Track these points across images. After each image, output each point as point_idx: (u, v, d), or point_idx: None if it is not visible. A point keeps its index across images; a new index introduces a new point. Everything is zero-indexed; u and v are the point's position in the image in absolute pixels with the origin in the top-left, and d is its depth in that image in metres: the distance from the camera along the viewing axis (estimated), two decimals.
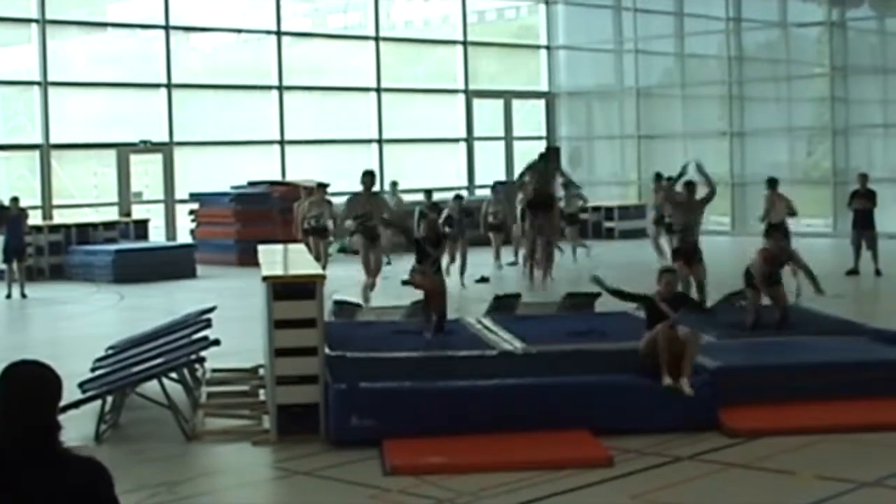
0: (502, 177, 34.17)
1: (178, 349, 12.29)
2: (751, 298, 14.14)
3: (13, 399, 3.84)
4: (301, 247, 17.43)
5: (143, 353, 12.58)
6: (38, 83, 28.45)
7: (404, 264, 24.83)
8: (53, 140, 28.49)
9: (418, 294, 14.90)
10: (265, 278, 11.13)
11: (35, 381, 3.91)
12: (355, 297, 17.89)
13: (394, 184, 27.33)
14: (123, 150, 29.55)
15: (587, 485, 9.22)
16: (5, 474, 3.78)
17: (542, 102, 38.65)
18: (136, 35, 32.20)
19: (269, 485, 10.05)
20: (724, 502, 9.11)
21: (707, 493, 9.18)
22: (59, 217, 28.22)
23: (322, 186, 24.45)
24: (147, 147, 29.80)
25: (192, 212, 29.75)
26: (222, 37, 33.82)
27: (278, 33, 32.39)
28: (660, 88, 37.45)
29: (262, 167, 31.43)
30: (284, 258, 14.26)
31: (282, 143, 32.32)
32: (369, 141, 34.22)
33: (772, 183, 23.49)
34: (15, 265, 23.16)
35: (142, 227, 28.62)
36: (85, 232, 27.14)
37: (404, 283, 16.08)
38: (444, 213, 23.96)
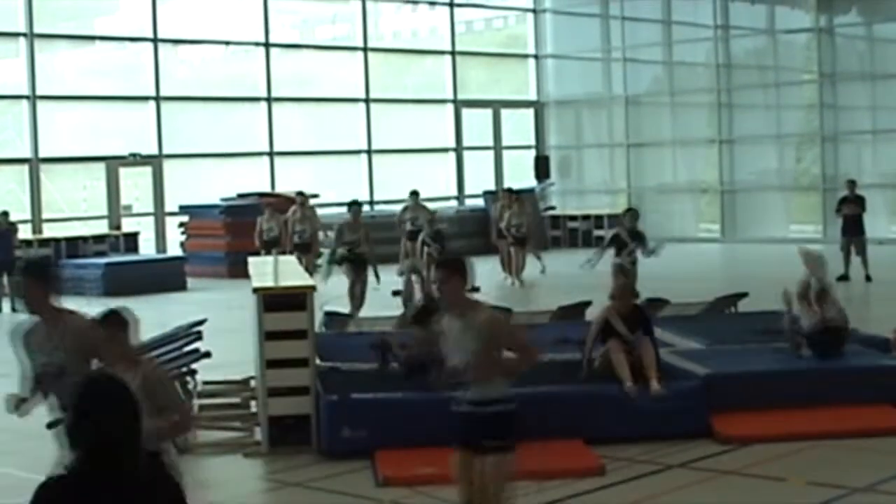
0: (491, 186, 34.26)
1: (169, 361, 12.26)
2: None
3: (90, 415, 3.79)
4: (291, 258, 17.45)
5: None
6: (27, 97, 28.42)
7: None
8: (42, 154, 28.45)
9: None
10: (256, 290, 11.13)
11: (110, 395, 3.86)
12: (346, 308, 17.88)
13: (415, 193, 26.26)
14: (113, 164, 29.51)
15: (579, 493, 9.22)
16: (84, 493, 3.73)
17: (530, 111, 38.68)
18: (124, 48, 32.20)
19: (262, 496, 10.04)
20: None
21: (699, 500, 9.19)
22: (49, 231, 28.17)
23: (302, 196, 24.39)
24: (136, 160, 29.77)
25: (181, 224, 29.72)
26: (210, 49, 33.81)
27: (266, 45, 32.38)
28: (648, 96, 37.49)
29: (251, 179, 31.40)
30: (275, 270, 14.26)
31: (271, 154, 32.31)
32: (358, 152, 34.22)
33: (510, 190, 27.01)
34: (5, 279, 23.13)
35: (132, 240, 28.58)
36: (75, 245, 27.10)
37: None
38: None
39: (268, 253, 21.89)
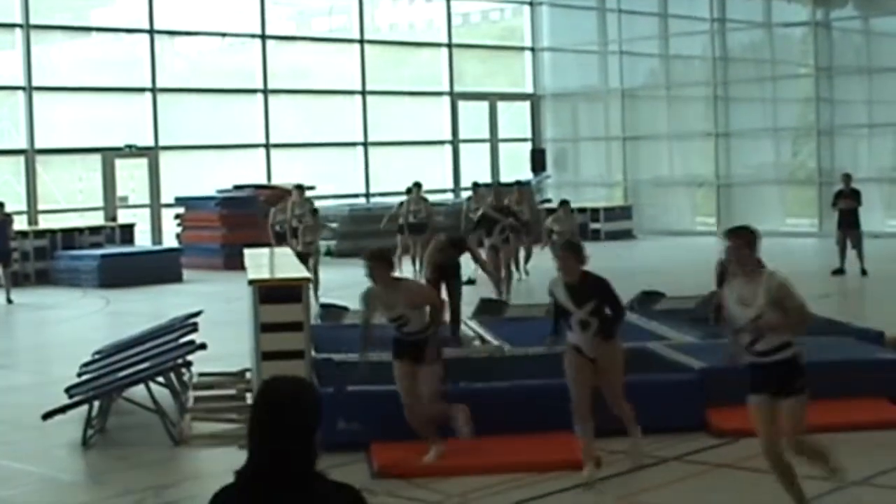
0: (487, 178, 34.23)
1: (164, 353, 12.28)
2: None
3: (267, 418, 3.79)
4: (287, 250, 17.44)
5: (129, 358, 12.57)
6: (23, 88, 28.38)
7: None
8: (38, 145, 28.42)
9: None
10: (251, 282, 11.13)
11: (289, 399, 3.85)
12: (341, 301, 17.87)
13: (417, 185, 25.54)
14: (109, 155, 29.50)
15: (574, 486, 9.23)
16: (261, 496, 3.74)
17: (527, 104, 38.67)
18: (120, 39, 32.15)
19: None
20: (710, 503, 9.12)
21: (694, 493, 9.20)
22: (45, 222, 28.15)
23: (300, 189, 24.24)
24: (132, 151, 29.76)
25: (177, 216, 29.70)
26: (207, 41, 33.76)
27: (263, 37, 32.35)
28: (645, 90, 37.48)
29: (247, 171, 31.40)
30: (271, 262, 14.25)
31: (267, 146, 32.29)
32: (355, 144, 34.21)
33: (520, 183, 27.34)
34: (0, 270, 23.11)
35: (127, 232, 28.57)
36: (70, 237, 27.07)
37: None
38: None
39: (279, 245, 21.77)
